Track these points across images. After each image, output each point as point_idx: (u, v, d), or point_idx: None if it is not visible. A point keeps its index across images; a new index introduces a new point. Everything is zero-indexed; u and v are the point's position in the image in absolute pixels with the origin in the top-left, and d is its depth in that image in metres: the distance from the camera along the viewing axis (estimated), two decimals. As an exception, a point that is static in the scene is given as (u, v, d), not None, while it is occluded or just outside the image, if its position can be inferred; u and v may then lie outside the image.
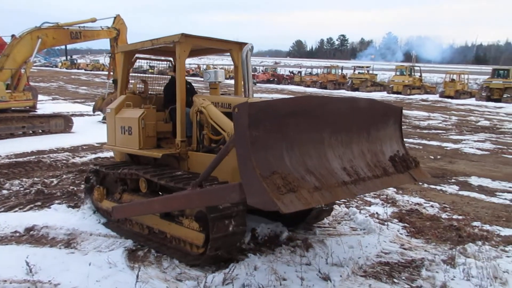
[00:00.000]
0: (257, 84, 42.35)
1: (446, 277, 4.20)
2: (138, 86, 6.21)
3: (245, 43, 5.79)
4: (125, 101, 5.91)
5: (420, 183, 8.12)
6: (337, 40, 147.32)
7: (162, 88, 6.35)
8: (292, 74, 49.45)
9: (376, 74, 44.11)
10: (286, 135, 3.31)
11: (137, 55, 6.41)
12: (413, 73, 37.19)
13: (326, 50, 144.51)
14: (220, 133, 4.81)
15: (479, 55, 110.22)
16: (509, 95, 29.83)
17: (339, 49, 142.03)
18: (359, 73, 41.64)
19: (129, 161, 6.12)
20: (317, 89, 40.26)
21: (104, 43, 16.10)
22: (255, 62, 67.13)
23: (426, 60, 68.60)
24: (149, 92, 6.42)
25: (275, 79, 49.26)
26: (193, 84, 6.29)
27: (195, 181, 3.95)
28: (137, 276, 4.03)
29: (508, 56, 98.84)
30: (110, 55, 15.46)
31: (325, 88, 40.65)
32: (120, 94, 6.26)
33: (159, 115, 5.74)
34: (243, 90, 5.56)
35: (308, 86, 42.73)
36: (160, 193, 5.27)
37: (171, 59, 6.80)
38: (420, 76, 37.89)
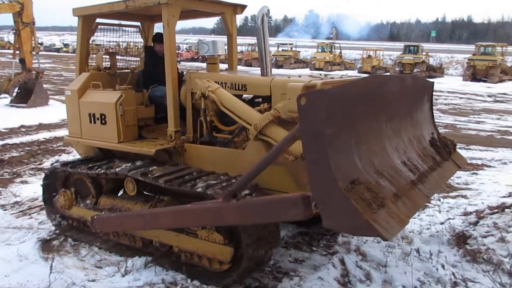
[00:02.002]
0: (181, 62, 41.37)
1: (359, 242, 4.49)
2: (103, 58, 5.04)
3: (242, 5, 4.99)
4: (90, 80, 4.79)
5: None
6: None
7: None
8: (217, 52, 48.91)
9: (299, 51, 45.16)
10: (354, 129, 2.56)
11: (98, 19, 5.21)
12: (333, 50, 38.68)
13: (251, 27, 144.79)
14: (232, 122, 3.95)
15: (393, 32, 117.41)
16: (419, 70, 32.18)
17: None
18: (282, 50, 42.33)
19: (99, 155, 4.92)
20: (242, 67, 40.30)
21: (8, 19, 14.65)
22: (178, 39, 65.26)
23: (345, 37, 71.50)
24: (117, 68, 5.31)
25: (200, 57, 48.44)
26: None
27: (228, 191, 2.95)
28: (51, 267, 3.81)
29: (418, 33, 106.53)
30: (14, 31, 14.10)
31: (250, 65, 40.78)
32: (80, 72, 5.05)
33: (138, 97, 4.75)
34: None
35: (233, 64, 42.64)
36: (147, 193, 4.32)
37: (139, 24, 5.73)
38: (340, 52, 39.53)
